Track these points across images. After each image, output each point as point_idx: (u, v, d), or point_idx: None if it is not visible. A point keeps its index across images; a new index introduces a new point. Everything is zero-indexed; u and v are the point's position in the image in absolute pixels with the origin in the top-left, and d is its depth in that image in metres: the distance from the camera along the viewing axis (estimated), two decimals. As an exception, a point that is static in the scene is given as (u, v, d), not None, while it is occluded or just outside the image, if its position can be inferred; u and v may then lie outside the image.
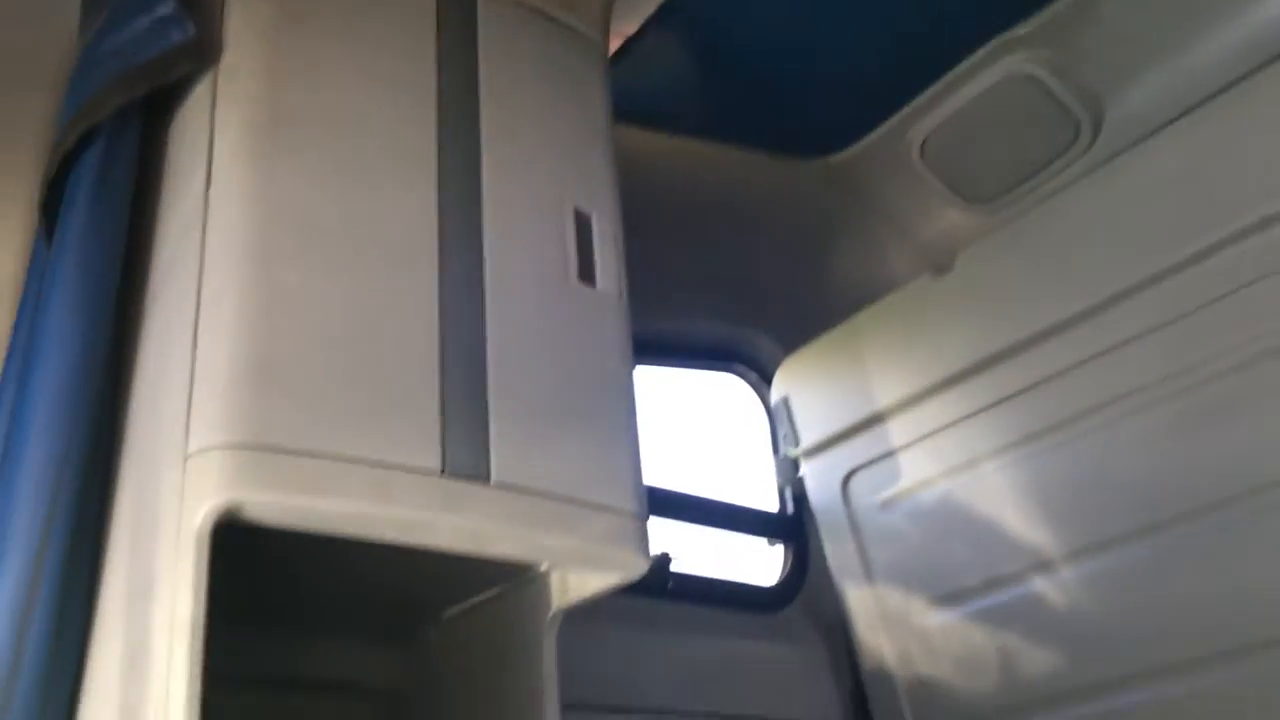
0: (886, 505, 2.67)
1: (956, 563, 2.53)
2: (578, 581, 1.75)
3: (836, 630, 2.79)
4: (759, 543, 2.94)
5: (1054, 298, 2.36)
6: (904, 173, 2.81)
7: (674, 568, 2.65)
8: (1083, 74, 2.51)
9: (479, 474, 1.49)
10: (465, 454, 1.49)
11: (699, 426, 3.12)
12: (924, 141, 2.76)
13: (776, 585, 2.90)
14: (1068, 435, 2.35)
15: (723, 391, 3.10)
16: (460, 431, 1.50)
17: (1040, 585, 2.39)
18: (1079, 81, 2.52)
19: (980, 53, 2.54)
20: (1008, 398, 2.43)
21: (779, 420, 2.87)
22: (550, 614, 1.77)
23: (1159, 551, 2.20)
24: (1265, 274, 2.08)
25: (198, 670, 1.26)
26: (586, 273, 1.73)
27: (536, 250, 1.69)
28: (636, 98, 2.35)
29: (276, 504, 1.35)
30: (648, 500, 1.66)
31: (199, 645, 1.27)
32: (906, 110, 2.71)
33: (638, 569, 1.67)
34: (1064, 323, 2.33)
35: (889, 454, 2.65)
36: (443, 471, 1.46)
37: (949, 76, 2.61)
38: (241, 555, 1.35)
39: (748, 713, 2.58)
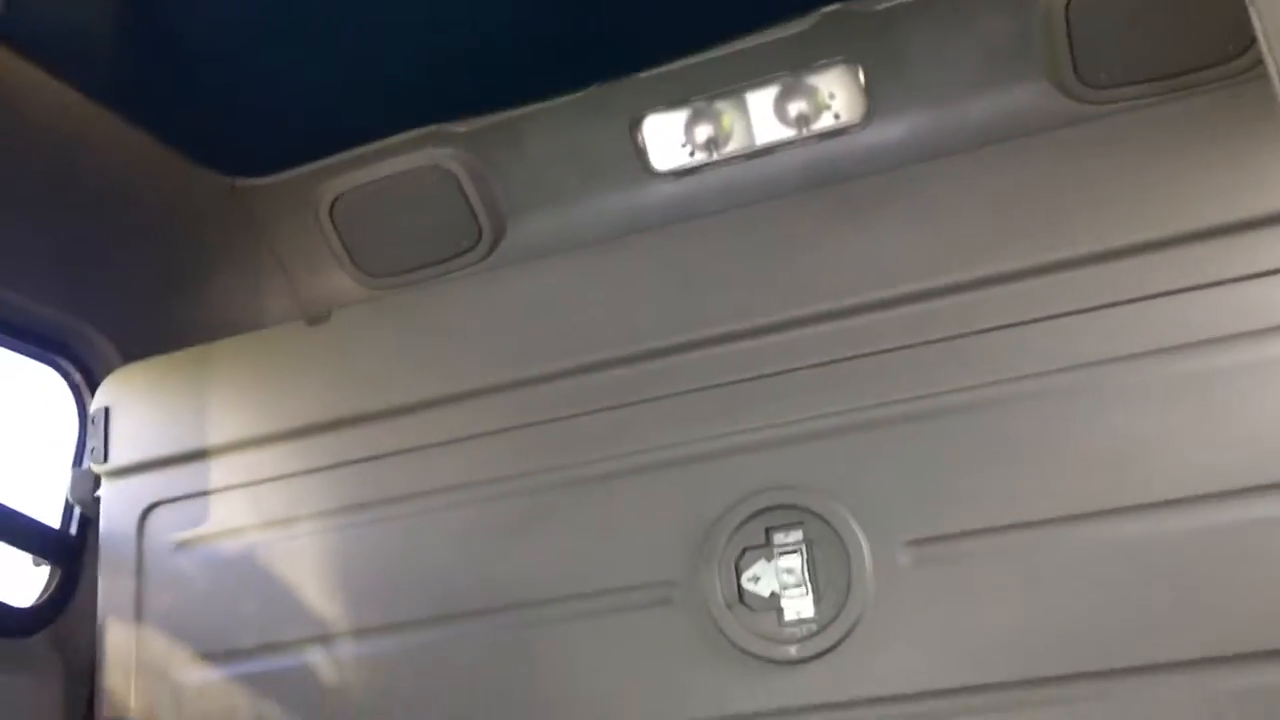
0: (183, 546, 2.48)
1: (238, 619, 2.39)
2: None
3: (85, 672, 2.50)
4: (22, 557, 2.58)
5: (413, 379, 2.39)
6: (307, 223, 2.76)
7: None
8: (497, 189, 2.67)
9: None
10: None
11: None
12: (335, 200, 2.74)
13: (29, 608, 2.54)
14: (389, 514, 2.35)
15: (30, 381, 2.74)
16: None
17: (317, 657, 2.32)
18: (492, 195, 2.68)
19: (413, 133, 2.61)
20: (343, 464, 2.40)
21: (94, 430, 2.59)
22: None
23: (444, 641, 2.26)
24: (583, 411, 2.27)
25: None
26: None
27: None
28: (47, 38, 2.10)
29: None
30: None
31: None
32: (326, 163, 2.69)
33: None
34: (416, 404, 2.37)
35: (203, 493, 2.48)
36: None
37: (377, 145, 2.65)
38: None
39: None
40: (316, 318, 2.53)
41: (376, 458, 2.39)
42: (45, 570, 2.60)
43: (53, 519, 2.65)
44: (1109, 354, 1.99)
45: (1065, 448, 1.97)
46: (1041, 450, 1.98)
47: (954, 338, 2.07)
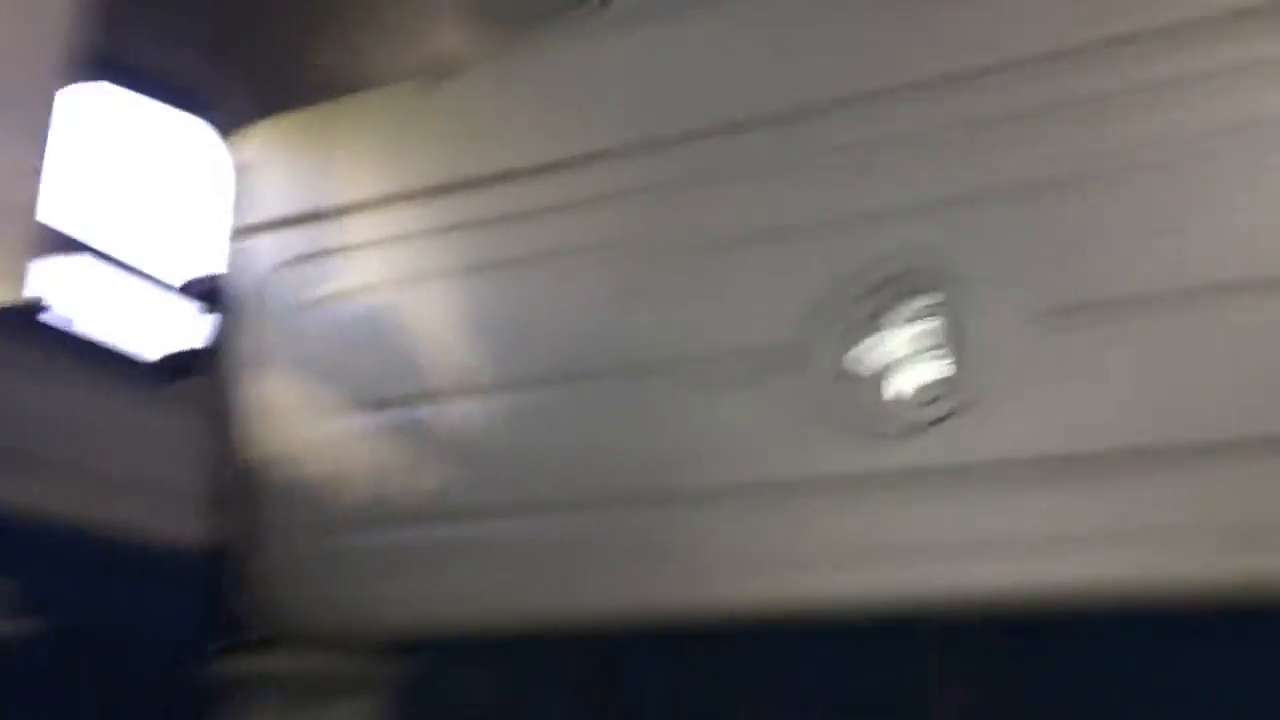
0: (320, 302, 2.55)
1: (367, 373, 2.48)
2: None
3: (232, 413, 2.65)
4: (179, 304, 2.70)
5: (543, 139, 2.37)
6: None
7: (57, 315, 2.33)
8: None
9: None
10: None
11: (148, 165, 2.80)
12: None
13: (180, 355, 2.67)
14: (514, 274, 2.38)
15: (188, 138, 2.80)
16: None
17: (438, 411, 2.40)
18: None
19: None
20: (469, 224, 2.42)
21: (231, 185, 2.65)
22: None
23: (564, 399, 2.31)
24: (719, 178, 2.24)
25: None
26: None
27: None
28: None
29: None
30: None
31: None
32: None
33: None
34: (543, 165, 2.36)
35: (338, 250, 2.54)
36: None
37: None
38: None
39: (119, 475, 2.38)
40: (440, 77, 2.51)
41: (503, 218, 2.40)
42: (185, 320, 2.73)
43: (193, 269, 2.77)
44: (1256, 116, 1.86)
45: (1203, 218, 1.86)
46: (1179, 220, 1.88)
47: (1097, 100, 1.96)
